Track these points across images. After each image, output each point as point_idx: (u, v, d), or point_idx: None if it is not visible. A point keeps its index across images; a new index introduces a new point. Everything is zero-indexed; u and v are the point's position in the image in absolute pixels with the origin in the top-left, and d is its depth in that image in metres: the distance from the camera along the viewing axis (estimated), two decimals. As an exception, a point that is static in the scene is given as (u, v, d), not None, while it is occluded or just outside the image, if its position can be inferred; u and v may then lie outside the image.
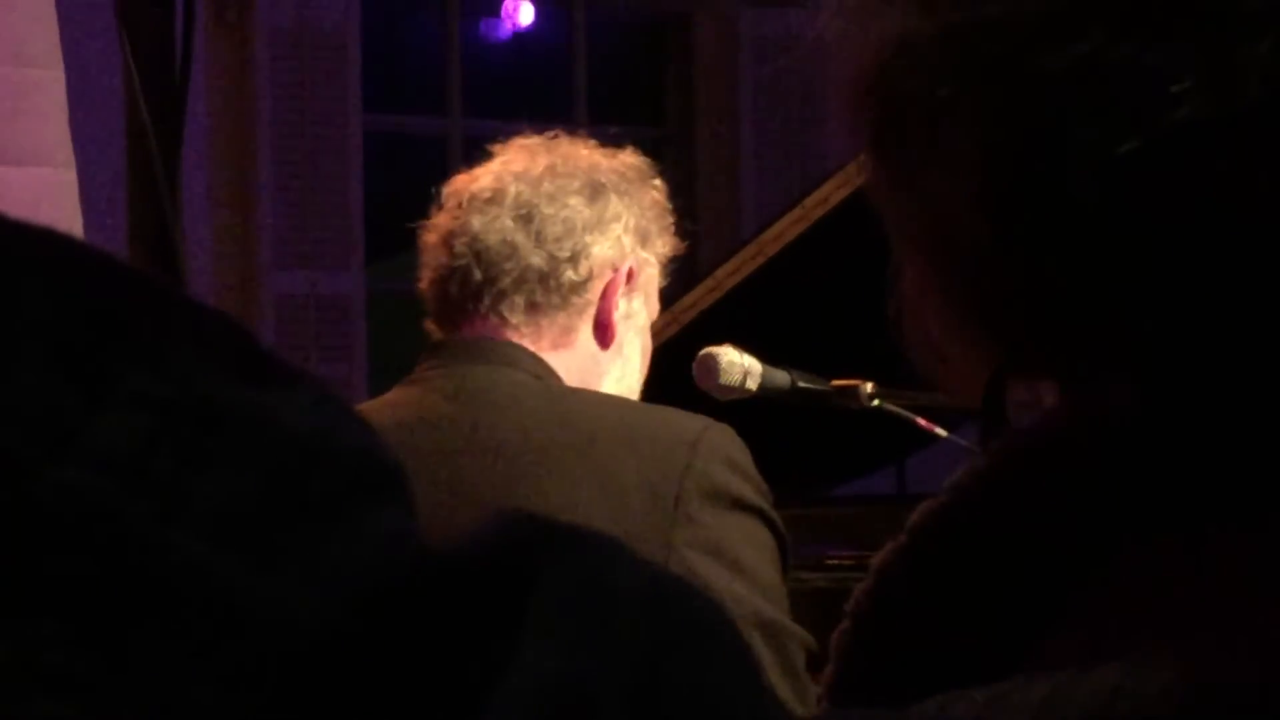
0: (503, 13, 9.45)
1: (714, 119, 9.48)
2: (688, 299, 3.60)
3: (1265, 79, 0.81)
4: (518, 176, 2.39)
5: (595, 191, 2.39)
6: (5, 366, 0.42)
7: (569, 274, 2.36)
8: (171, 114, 2.06)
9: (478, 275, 2.36)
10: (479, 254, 2.36)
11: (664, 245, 2.48)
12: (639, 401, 2.45)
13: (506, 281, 2.35)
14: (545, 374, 2.34)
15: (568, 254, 2.36)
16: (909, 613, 0.87)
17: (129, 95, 2.04)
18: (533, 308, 2.36)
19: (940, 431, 3.09)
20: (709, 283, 3.64)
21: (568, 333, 2.38)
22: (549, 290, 2.36)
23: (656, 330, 3.54)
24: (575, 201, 2.37)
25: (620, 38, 10.05)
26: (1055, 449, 0.87)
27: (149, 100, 2.03)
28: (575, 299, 2.37)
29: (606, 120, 9.34)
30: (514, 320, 2.35)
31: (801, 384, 2.92)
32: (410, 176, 9.55)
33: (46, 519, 0.41)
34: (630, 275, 2.42)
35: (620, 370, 2.45)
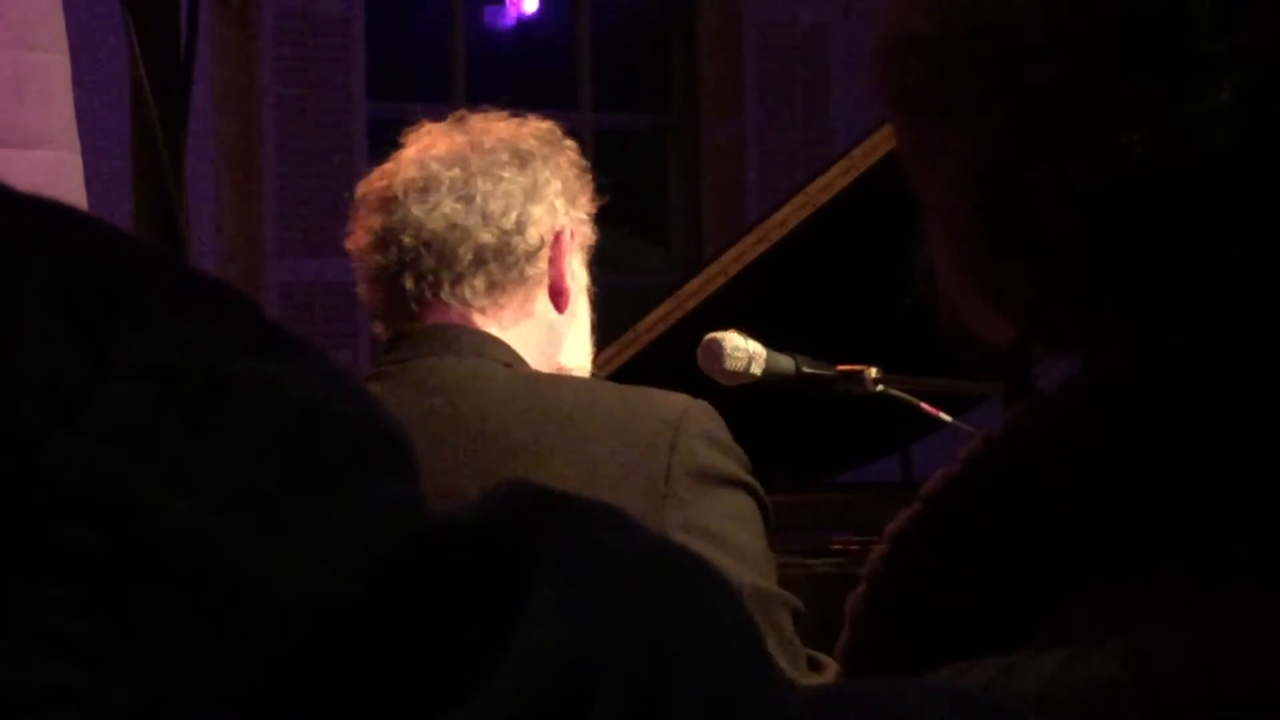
0: (507, 0, 9.45)
1: (718, 106, 9.48)
2: (692, 285, 3.60)
3: (1225, 128, 0.82)
4: (444, 160, 2.37)
5: (524, 160, 2.39)
6: (12, 335, 0.43)
7: (520, 245, 2.36)
8: (176, 100, 2.06)
9: (430, 262, 2.35)
10: (428, 242, 2.34)
11: (587, 203, 2.47)
12: (613, 384, 2.44)
13: (463, 265, 2.34)
14: (513, 360, 2.34)
15: (514, 225, 2.35)
16: (923, 579, 0.88)
17: (134, 80, 2.04)
18: (492, 286, 2.35)
19: (945, 417, 3.09)
20: (713, 268, 3.64)
21: (526, 304, 2.38)
22: (506, 266, 2.35)
23: (662, 317, 3.55)
24: (508, 173, 2.37)
25: (624, 25, 10.04)
26: (1070, 421, 0.87)
27: (154, 86, 2.03)
28: (530, 270, 2.37)
29: (611, 109, 9.33)
30: (476, 303, 2.34)
31: (806, 369, 2.92)
32: (415, 164, 9.53)
33: (53, 486, 0.41)
34: (571, 235, 2.41)
35: (576, 332, 2.45)
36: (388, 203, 2.38)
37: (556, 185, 2.41)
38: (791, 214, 3.64)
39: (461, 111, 2.48)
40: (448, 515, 0.46)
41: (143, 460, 0.42)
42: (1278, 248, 0.84)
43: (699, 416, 2.29)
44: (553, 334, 2.42)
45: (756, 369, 2.85)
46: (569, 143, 2.48)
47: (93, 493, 0.42)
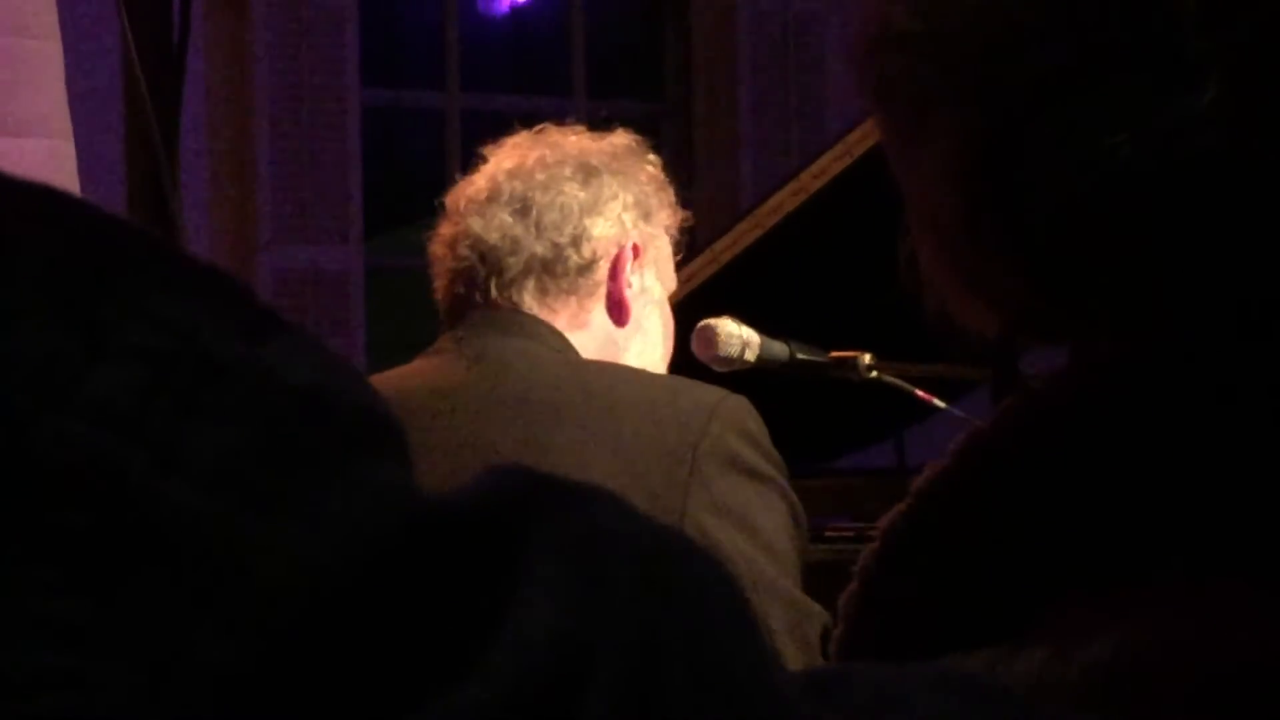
0: (501, -13, 9.44)
1: (712, 92, 9.47)
2: (686, 271, 3.60)
3: (1211, 128, 0.82)
4: (510, 174, 2.42)
5: (588, 174, 2.42)
6: (4, 318, 0.43)
7: (574, 258, 2.39)
8: (169, 88, 2.06)
9: (482, 271, 2.39)
10: (483, 254, 2.40)
11: (668, 217, 2.50)
12: (661, 374, 2.46)
13: (513, 272, 2.38)
14: (564, 346, 2.37)
15: (568, 239, 2.39)
16: (914, 575, 0.88)
17: (127, 69, 2.04)
18: (543, 292, 2.39)
19: (939, 403, 3.09)
20: (707, 255, 3.64)
21: (580, 314, 2.41)
22: (555, 275, 2.39)
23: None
24: (569, 187, 2.41)
25: (618, 11, 10.03)
26: (1058, 415, 0.87)
27: (147, 74, 2.03)
28: (584, 281, 2.40)
29: (605, 95, 9.33)
30: (526, 304, 2.38)
31: (800, 355, 2.92)
32: (409, 151, 9.55)
33: (44, 469, 0.41)
34: (637, 251, 2.44)
35: (640, 345, 2.48)
36: (454, 213, 2.45)
37: (626, 199, 2.44)
38: (785, 200, 3.64)
39: (546, 125, 2.52)
40: (440, 499, 0.46)
41: (135, 443, 0.42)
42: (1264, 245, 0.84)
43: (736, 410, 2.31)
44: (613, 345, 2.44)
45: (750, 355, 2.85)
46: (651, 158, 2.51)
47: (85, 476, 0.42)
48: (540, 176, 2.40)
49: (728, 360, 2.84)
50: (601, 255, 2.41)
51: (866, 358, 3.00)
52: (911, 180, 0.91)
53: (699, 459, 2.25)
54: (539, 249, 2.38)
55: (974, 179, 0.86)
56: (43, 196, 0.46)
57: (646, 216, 2.46)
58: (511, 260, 2.38)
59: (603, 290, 2.42)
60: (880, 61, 0.90)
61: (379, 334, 8.56)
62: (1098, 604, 0.82)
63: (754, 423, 2.32)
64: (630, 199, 2.44)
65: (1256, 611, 0.80)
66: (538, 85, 9.47)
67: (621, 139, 2.50)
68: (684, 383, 2.36)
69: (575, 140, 2.47)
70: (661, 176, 2.51)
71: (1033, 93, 0.84)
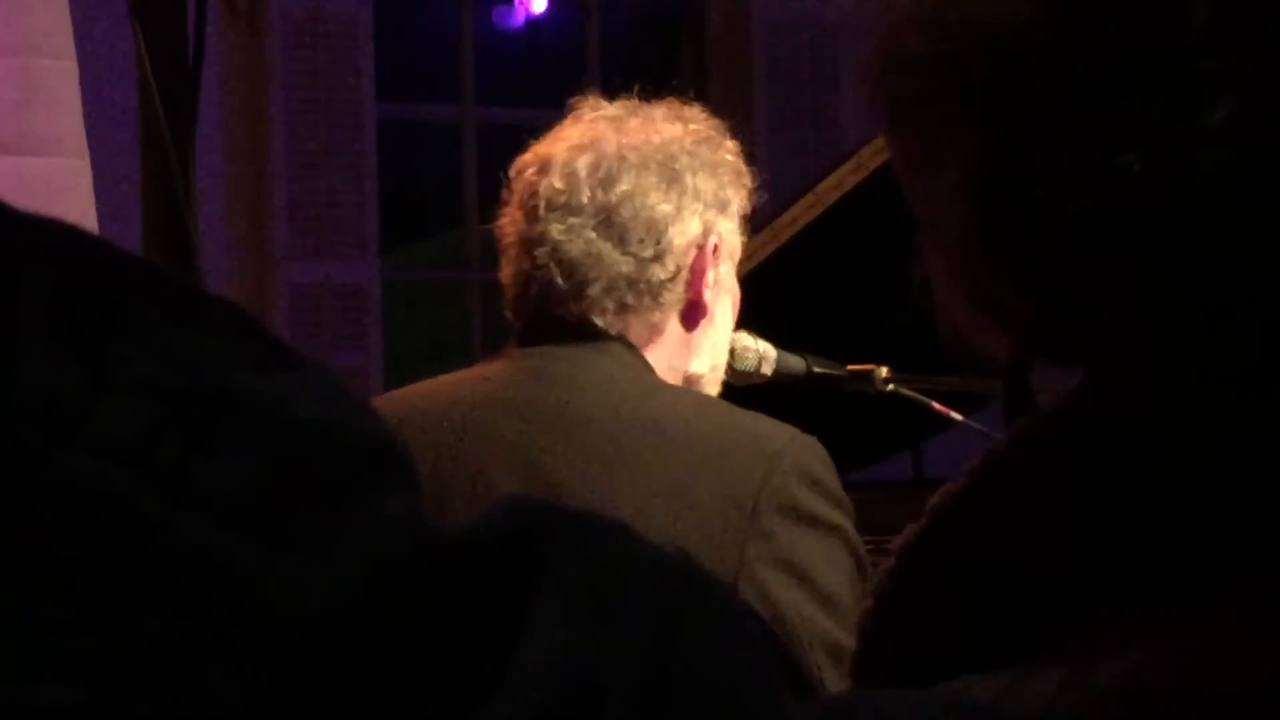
0: (516, 0, 9.45)
1: (728, 105, 9.48)
2: (702, 285, 3.60)
3: (1221, 146, 0.82)
4: (590, 170, 2.34)
5: (671, 179, 2.34)
6: (14, 354, 0.43)
7: (657, 274, 2.33)
8: (185, 104, 2.06)
9: (562, 284, 2.32)
10: (562, 262, 2.31)
11: (742, 201, 2.44)
12: (727, 404, 2.39)
13: (596, 289, 2.31)
14: (639, 366, 2.30)
15: (652, 254, 2.32)
16: (930, 594, 0.88)
17: (142, 86, 2.04)
18: (623, 308, 2.31)
19: (956, 416, 3.09)
20: (723, 268, 3.63)
21: (657, 328, 2.34)
22: (639, 293, 2.32)
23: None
24: (654, 197, 2.33)
25: (633, 25, 10.04)
26: (1072, 434, 0.87)
27: (162, 90, 2.03)
28: (665, 295, 2.34)
29: (620, 107, 9.31)
30: (602, 322, 2.32)
31: (816, 369, 2.92)
32: (424, 165, 9.55)
33: (54, 504, 0.41)
34: (715, 249, 2.39)
35: (711, 336, 2.42)
36: (532, 211, 2.36)
37: (707, 195, 2.38)
38: (801, 213, 3.64)
39: (632, 102, 2.47)
40: (450, 530, 0.46)
41: (144, 478, 0.42)
42: (1275, 263, 0.83)
43: (801, 453, 2.24)
44: (684, 349, 2.39)
45: (767, 369, 2.85)
46: (728, 144, 2.45)
47: (93, 511, 0.42)
48: (624, 186, 2.32)
49: (744, 374, 2.83)
50: (684, 265, 2.34)
51: (883, 371, 3.00)
52: (923, 202, 0.91)
53: (760, 508, 2.17)
54: (624, 267, 2.31)
55: (985, 199, 0.86)
56: (53, 230, 0.46)
57: (723, 208, 2.40)
58: (594, 276, 2.30)
59: (681, 302, 2.36)
60: (892, 83, 0.91)
61: (396, 347, 8.56)
62: (1109, 627, 0.82)
63: (820, 465, 2.24)
64: (710, 194, 2.38)
65: (1259, 641, 0.80)
66: (553, 99, 9.47)
67: (699, 125, 2.43)
68: (752, 421, 2.27)
69: (656, 138, 2.38)
70: (737, 162, 2.44)
71: (1043, 113, 0.84)
